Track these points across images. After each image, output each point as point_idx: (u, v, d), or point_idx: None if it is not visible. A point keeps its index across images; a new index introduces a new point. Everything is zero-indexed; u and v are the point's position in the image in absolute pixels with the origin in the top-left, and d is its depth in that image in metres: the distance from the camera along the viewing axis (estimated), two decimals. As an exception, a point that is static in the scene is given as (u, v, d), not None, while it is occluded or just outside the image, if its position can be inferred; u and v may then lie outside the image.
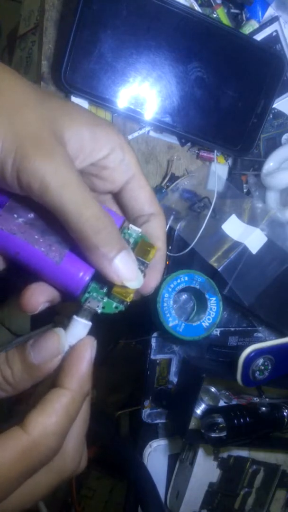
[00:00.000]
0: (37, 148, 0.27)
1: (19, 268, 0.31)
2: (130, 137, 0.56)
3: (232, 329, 0.57)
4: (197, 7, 0.55)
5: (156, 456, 0.57)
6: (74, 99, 0.51)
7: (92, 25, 0.48)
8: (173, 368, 0.55)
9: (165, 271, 0.51)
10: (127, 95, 0.51)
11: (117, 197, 0.34)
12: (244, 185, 0.62)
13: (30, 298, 0.31)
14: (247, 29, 0.57)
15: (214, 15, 0.56)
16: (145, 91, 0.52)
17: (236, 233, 0.54)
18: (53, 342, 0.29)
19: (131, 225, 0.33)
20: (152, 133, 0.57)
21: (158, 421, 0.56)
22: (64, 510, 0.63)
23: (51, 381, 0.29)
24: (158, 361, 0.54)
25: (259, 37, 0.57)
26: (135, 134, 0.56)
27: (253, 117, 0.56)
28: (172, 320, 0.50)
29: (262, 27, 0.57)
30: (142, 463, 0.55)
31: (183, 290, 0.52)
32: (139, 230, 0.32)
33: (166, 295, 0.50)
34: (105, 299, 0.31)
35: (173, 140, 0.58)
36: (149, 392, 0.54)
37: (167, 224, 0.53)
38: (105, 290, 0.31)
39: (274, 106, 0.59)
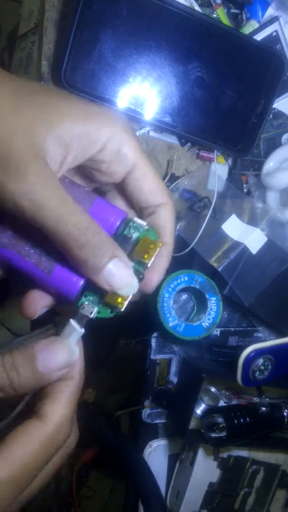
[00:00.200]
0: (6, 172, 0.26)
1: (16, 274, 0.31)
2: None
3: (232, 329, 0.57)
4: (197, 7, 0.55)
5: (156, 456, 0.57)
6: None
7: (92, 25, 0.48)
8: (173, 368, 0.55)
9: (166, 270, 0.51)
10: (127, 95, 0.51)
11: (121, 188, 0.33)
12: (244, 185, 0.62)
13: (29, 305, 0.32)
14: (247, 29, 0.57)
15: (214, 15, 0.56)
16: (145, 91, 0.52)
17: (236, 233, 0.54)
18: (62, 356, 0.29)
19: (135, 219, 0.31)
20: (152, 133, 0.57)
21: (158, 421, 0.56)
22: (64, 510, 0.63)
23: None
24: (158, 361, 0.54)
25: (259, 37, 0.57)
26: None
27: (253, 117, 0.56)
28: (172, 320, 0.50)
29: (262, 27, 0.57)
30: (143, 458, 0.55)
31: (183, 290, 0.52)
32: (145, 223, 0.31)
33: (166, 295, 0.50)
34: (100, 304, 0.31)
35: (173, 140, 0.58)
36: (149, 392, 0.54)
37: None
38: (98, 296, 0.30)
39: (274, 106, 0.59)
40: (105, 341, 0.62)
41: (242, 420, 0.50)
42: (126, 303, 0.30)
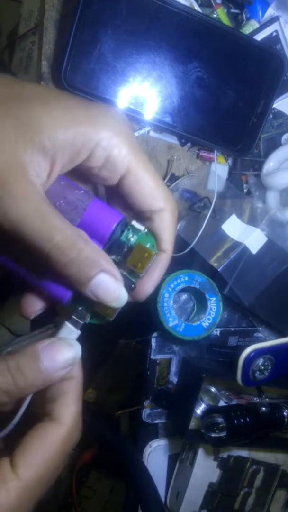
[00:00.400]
0: None
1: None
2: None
3: (232, 329, 0.57)
4: (197, 7, 0.55)
5: (156, 456, 0.57)
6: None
7: (92, 25, 0.48)
8: (173, 368, 0.55)
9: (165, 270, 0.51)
10: (127, 95, 0.51)
11: (117, 190, 0.31)
12: (244, 185, 0.62)
13: (26, 306, 0.32)
14: (247, 29, 0.57)
15: (214, 15, 0.56)
16: (145, 91, 0.52)
17: (236, 233, 0.54)
18: (66, 353, 0.29)
19: (133, 222, 0.30)
20: (152, 133, 0.57)
21: (158, 421, 0.56)
22: (64, 510, 0.63)
23: None
24: (158, 361, 0.54)
25: (259, 37, 0.57)
26: (135, 134, 0.56)
27: (253, 117, 0.56)
28: (172, 320, 0.50)
29: (262, 27, 0.57)
30: (142, 463, 0.55)
31: (183, 290, 0.52)
32: (143, 228, 0.30)
33: (166, 295, 0.50)
34: (91, 311, 0.31)
35: (173, 140, 0.58)
36: (149, 392, 0.54)
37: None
38: (90, 303, 0.30)
39: (274, 106, 0.59)
40: (105, 341, 0.62)
41: (242, 420, 0.50)
42: (115, 314, 0.30)
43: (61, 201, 0.29)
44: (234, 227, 0.54)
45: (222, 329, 0.56)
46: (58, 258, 0.27)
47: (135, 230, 0.30)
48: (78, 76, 0.49)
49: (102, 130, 0.28)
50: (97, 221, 0.30)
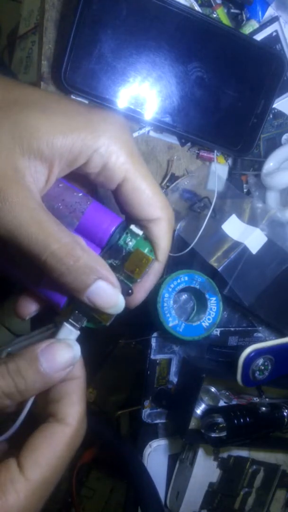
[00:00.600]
0: None
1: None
2: (130, 137, 0.56)
3: (232, 329, 0.57)
4: (197, 7, 0.55)
5: (156, 456, 0.57)
6: (74, 99, 0.51)
7: (92, 25, 0.48)
8: (173, 368, 0.55)
9: (165, 270, 0.51)
10: (127, 95, 0.51)
11: (115, 195, 0.31)
12: (244, 185, 0.62)
13: (22, 307, 0.32)
14: (247, 29, 0.57)
15: (214, 15, 0.56)
16: (145, 91, 0.52)
17: (236, 233, 0.54)
18: (65, 354, 0.29)
19: (132, 226, 0.30)
20: (152, 133, 0.57)
21: (158, 421, 0.56)
22: (64, 510, 0.63)
23: None
24: (158, 361, 0.54)
25: (259, 37, 0.57)
26: (135, 134, 0.56)
27: (253, 117, 0.56)
28: (172, 320, 0.50)
29: (262, 27, 0.57)
30: (142, 463, 0.55)
31: (183, 290, 0.52)
32: (141, 232, 0.30)
33: (166, 295, 0.50)
34: (88, 315, 0.30)
35: (173, 140, 0.58)
36: (149, 392, 0.54)
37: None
38: (86, 307, 0.30)
39: (274, 106, 0.59)
40: (105, 341, 0.62)
41: (242, 420, 0.50)
42: (111, 319, 0.30)
43: (59, 204, 0.29)
44: (234, 227, 0.54)
45: (222, 329, 0.56)
46: (55, 266, 0.27)
47: (134, 235, 0.30)
48: (78, 76, 0.49)
49: (101, 137, 0.28)
50: (95, 224, 0.30)
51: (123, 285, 0.30)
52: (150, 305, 0.51)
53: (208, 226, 0.53)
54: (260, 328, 0.58)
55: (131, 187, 0.29)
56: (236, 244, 0.53)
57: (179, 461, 0.58)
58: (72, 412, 0.30)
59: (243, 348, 0.49)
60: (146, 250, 0.30)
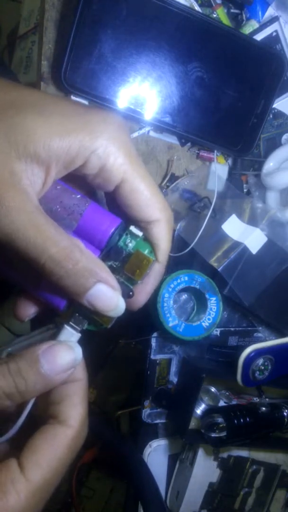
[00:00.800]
0: None
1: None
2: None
3: (232, 329, 0.57)
4: (197, 7, 0.55)
5: (156, 456, 0.57)
6: (74, 99, 0.51)
7: (92, 25, 0.48)
8: (173, 368, 0.55)
9: (165, 271, 0.51)
10: (127, 95, 0.51)
11: (114, 197, 0.31)
12: (244, 185, 0.62)
13: (21, 309, 0.32)
14: (247, 29, 0.57)
15: (214, 15, 0.56)
16: (145, 91, 0.52)
17: (236, 233, 0.54)
18: (66, 356, 0.29)
19: (131, 227, 0.30)
20: (152, 133, 0.57)
21: (158, 421, 0.56)
22: (64, 510, 0.63)
23: None
24: (158, 361, 0.54)
25: (259, 37, 0.57)
26: (135, 134, 0.56)
27: (253, 117, 0.56)
28: (172, 320, 0.50)
29: (262, 27, 0.57)
30: (143, 460, 0.55)
31: (183, 290, 0.52)
32: (141, 234, 0.30)
33: (166, 295, 0.50)
34: (88, 318, 0.30)
35: (173, 140, 0.58)
36: (149, 392, 0.54)
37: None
38: (87, 310, 0.30)
39: (274, 106, 0.59)
40: (105, 341, 0.62)
41: (242, 420, 0.50)
42: (112, 322, 0.30)
43: (57, 206, 0.29)
44: (234, 227, 0.54)
45: (222, 329, 0.56)
46: (54, 270, 0.27)
47: (133, 236, 0.30)
48: (78, 76, 0.49)
49: (99, 139, 0.27)
50: (94, 226, 0.29)
51: (123, 287, 0.30)
52: (150, 305, 0.51)
53: (208, 226, 0.53)
54: (260, 328, 0.58)
55: (130, 188, 0.29)
56: (236, 244, 0.53)
57: (179, 461, 0.58)
58: (74, 414, 0.30)
59: (243, 348, 0.49)
60: (146, 251, 0.30)
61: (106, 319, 0.30)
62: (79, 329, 0.30)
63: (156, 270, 0.31)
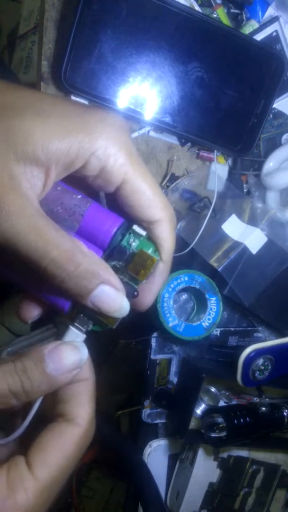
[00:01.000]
0: None
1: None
2: (130, 137, 0.56)
3: (232, 329, 0.57)
4: (197, 7, 0.55)
5: (156, 456, 0.57)
6: (74, 99, 0.51)
7: (92, 25, 0.48)
8: (173, 368, 0.55)
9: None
10: (127, 95, 0.51)
11: (115, 197, 0.30)
12: (244, 185, 0.62)
13: (25, 311, 0.32)
14: (247, 29, 0.57)
15: (214, 15, 0.56)
16: (145, 91, 0.52)
17: (236, 233, 0.54)
18: (71, 357, 0.29)
19: (134, 227, 0.30)
20: (152, 133, 0.57)
21: (158, 421, 0.56)
22: (64, 510, 0.63)
23: None
24: (158, 361, 0.54)
25: (259, 37, 0.57)
26: (135, 134, 0.56)
27: (253, 117, 0.56)
28: (172, 320, 0.50)
29: (262, 27, 0.57)
30: (143, 461, 0.55)
31: (183, 290, 0.52)
32: (144, 233, 0.29)
33: (166, 295, 0.50)
34: (93, 319, 0.30)
35: (173, 140, 0.58)
36: (149, 392, 0.54)
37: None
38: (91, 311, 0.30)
39: (274, 106, 0.59)
40: (105, 341, 0.62)
41: (242, 420, 0.50)
42: (117, 322, 0.30)
43: (58, 208, 0.29)
44: (234, 227, 0.54)
45: (222, 329, 0.56)
46: (56, 273, 0.26)
47: (137, 235, 0.30)
48: (78, 76, 0.49)
49: (98, 139, 0.27)
50: (96, 226, 0.29)
51: (128, 287, 0.29)
52: (148, 307, 0.51)
53: (208, 226, 0.53)
54: (260, 328, 0.58)
55: (131, 189, 0.29)
56: (236, 244, 0.53)
57: (179, 461, 0.58)
58: (82, 413, 0.30)
59: (243, 348, 0.49)
60: (150, 251, 0.30)
61: (111, 320, 0.29)
62: (84, 330, 0.30)
63: (161, 270, 0.31)
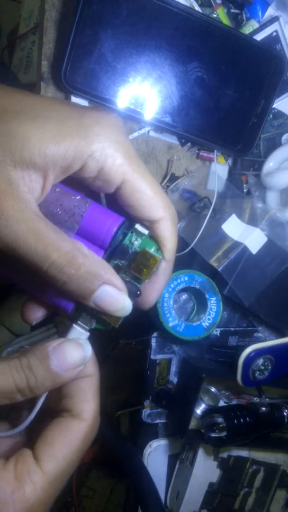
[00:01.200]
0: None
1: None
2: (130, 137, 0.56)
3: (232, 329, 0.57)
4: (197, 7, 0.55)
5: (156, 456, 0.57)
6: (74, 99, 0.51)
7: (92, 25, 0.48)
8: (173, 368, 0.55)
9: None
10: (127, 95, 0.51)
11: (115, 198, 0.30)
12: (244, 185, 0.62)
13: (28, 313, 0.32)
14: (247, 29, 0.57)
15: (214, 15, 0.56)
16: (145, 91, 0.52)
17: (236, 233, 0.54)
18: (75, 354, 0.29)
19: (137, 226, 0.30)
20: (152, 133, 0.57)
21: (158, 421, 0.56)
22: (64, 510, 0.63)
23: None
24: (158, 361, 0.54)
25: (259, 37, 0.57)
26: (135, 134, 0.56)
27: (253, 117, 0.56)
28: (172, 320, 0.50)
29: (262, 27, 0.57)
30: (142, 462, 0.55)
31: (183, 290, 0.52)
32: (146, 232, 0.29)
33: (166, 295, 0.50)
34: (96, 318, 0.30)
35: (173, 140, 0.58)
36: (149, 392, 0.54)
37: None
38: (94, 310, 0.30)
39: (274, 106, 0.59)
40: (105, 341, 0.62)
41: (242, 420, 0.50)
42: (120, 321, 0.30)
43: (58, 209, 0.29)
44: (234, 227, 0.54)
45: (222, 329, 0.56)
46: (57, 276, 0.27)
47: (139, 234, 0.30)
48: (78, 76, 0.49)
49: (95, 142, 0.27)
50: (96, 226, 0.29)
51: (131, 286, 0.29)
52: (151, 306, 0.51)
53: (208, 226, 0.53)
54: (260, 328, 0.58)
55: (131, 189, 0.29)
56: (236, 244, 0.53)
57: (179, 461, 0.58)
58: (87, 408, 0.30)
59: (243, 348, 0.49)
60: (152, 250, 0.30)
61: (114, 319, 0.30)
62: (87, 328, 0.30)
63: (164, 269, 0.31)
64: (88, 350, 0.30)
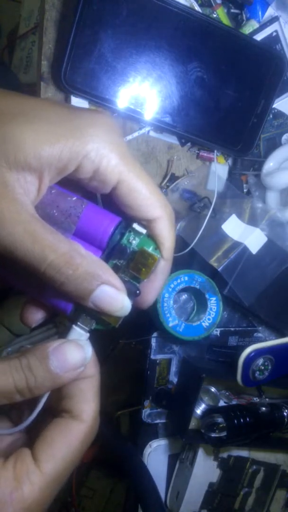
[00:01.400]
0: None
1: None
2: (130, 137, 0.56)
3: (232, 329, 0.57)
4: (197, 7, 0.55)
5: (156, 456, 0.57)
6: (74, 99, 0.51)
7: (92, 25, 0.48)
8: (173, 368, 0.55)
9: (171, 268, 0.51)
10: (127, 95, 0.51)
11: (112, 198, 0.30)
12: (244, 185, 0.62)
13: (28, 315, 0.32)
14: (247, 29, 0.57)
15: (214, 15, 0.56)
16: (145, 91, 0.52)
17: (236, 233, 0.54)
18: (75, 355, 0.29)
19: (135, 225, 0.30)
20: (152, 133, 0.57)
21: (158, 421, 0.56)
22: (64, 510, 0.63)
23: None
24: (158, 361, 0.54)
25: (259, 37, 0.57)
26: (135, 134, 0.56)
27: (253, 117, 0.56)
28: (172, 320, 0.50)
29: (262, 27, 0.57)
30: (142, 462, 0.55)
31: (183, 290, 0.52)
32: (144, 231, 0.29)
33: (166, 295, 0.50)
34: (96, 318, 0.30)
35: (173, 140, 0.58)
36: (149, 392, 0.54)
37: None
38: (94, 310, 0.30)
39: (274, 106, 0.59)
40: (105, 341, 0.62)
41: (242, 420, 0.50)
42: (120, 321, 0.30)
43: (54, 211, 0.29)
44: (234, 227, 0.54)
45: (222, 329, 0.56)
46: (55, 277, 0.27)
47: (137, 233, 0.30)
48: (78, 76, 0.49)
49: (90, 142, 0.27)
50: (93, 227, 0.29)
51: (130, 285, 0.29)
52: (150, 305, 0.51)
53: (208, 226, 0.53)
54: (260, 328, 0.58)
55: (127, 188, 0.29)
56: (236, 244, 0.53)
57: (179, 461, 0.58)
58: (87, 409, 0.30)
59: (243, 348, 0.49)
60: (150, 248, 0.30)
61: (114, 319, 0.30)
62: (87, 329, 0.30)
63: (162, 267, 0.31)
64: (88, 351, 0.30)
